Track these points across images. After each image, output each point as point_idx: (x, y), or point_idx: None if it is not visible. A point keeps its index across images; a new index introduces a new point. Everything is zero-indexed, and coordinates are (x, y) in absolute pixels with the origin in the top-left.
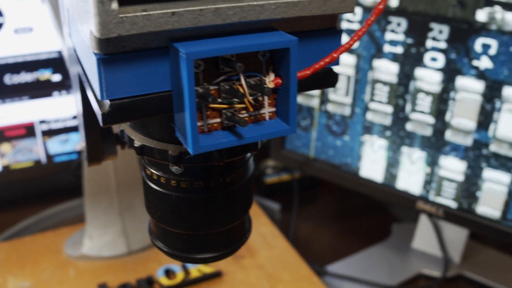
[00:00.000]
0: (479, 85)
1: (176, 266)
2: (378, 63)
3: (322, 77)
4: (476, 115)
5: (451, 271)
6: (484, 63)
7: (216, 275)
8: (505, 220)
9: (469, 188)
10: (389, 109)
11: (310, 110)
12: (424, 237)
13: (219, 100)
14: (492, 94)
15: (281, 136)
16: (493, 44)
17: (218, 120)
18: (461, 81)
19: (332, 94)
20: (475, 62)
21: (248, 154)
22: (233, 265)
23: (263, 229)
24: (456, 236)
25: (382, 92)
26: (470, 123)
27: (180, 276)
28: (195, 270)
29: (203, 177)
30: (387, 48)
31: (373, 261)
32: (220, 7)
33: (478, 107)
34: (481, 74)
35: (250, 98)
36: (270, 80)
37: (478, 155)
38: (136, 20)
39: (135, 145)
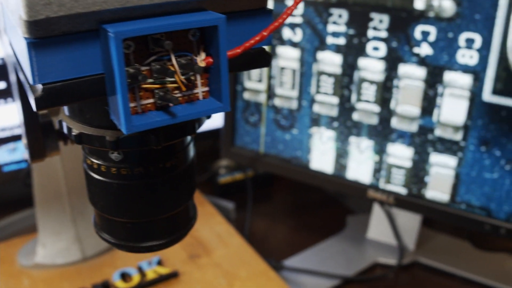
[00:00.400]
0: (421, 72)
1: (131, 269)
2: (322, 55)
3: (255, 57)
4: (419, 101)
5: (406, 258)
6: (425, 49)
7: (173, 275)
8: (454, 203)
9: (418, 173)
10: (335, 100)
11: (258, 105)
12: (378, 226)
13: (151, 80)
14: (434, 80)
15: (215, 113)
16: (432, 31)
17: (151, 100)
18: (403, 69)
19: (278, 89)
20: (416, 49)
21: (188, 139)
22: (189, 265)
23: (218, 228)
24: (410, 223)
25: (327, 84)
26: (415, 110)
27: (136, 278)
28: (151, 271)
29: (143, 163)
30: (330, 40)
31: (329, 253)
32: None
33: (421, 93)
34: (422, 61)
35: (182, 77)
36: (201, 59)
37: (424, 140)
38: (63, 2)
39: (73, 133)
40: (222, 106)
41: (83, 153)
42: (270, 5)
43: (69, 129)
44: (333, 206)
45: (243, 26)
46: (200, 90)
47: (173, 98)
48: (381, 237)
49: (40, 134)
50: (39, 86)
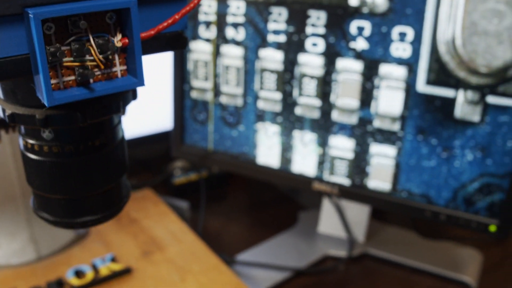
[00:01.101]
0: (358, 65)
1: (85, 266)
2: (264, 52)
3: (172, 40)
4: (358, 94)
5: (356, 250)
6: (360, 44)
7: (126, 272)
8: (396, 192)
9: (359, 164)
10: (278, 95)
11: (205, 104)
12: (328, 220)
13: (71, 58)
14: (370, 73)
15: (130, 88)
16: (367, 26)
17: (72, 77)
18: (341, 63)
19: (224, 86)
20: (352, 44)
21: (116, 120)
22: (143, 262)
23: (171, 226)
24: (359, 216)
25: (270, 80)
26: (354, 102)
27: (90, 275)
28: (105, 268)
29: (72, 141)
30: (271, 38)
31: (281, 247)
32: None
33: (359, 86)
34: (358, 55)
35: (100, 56)
36: (118, 40)
37: (364, 132)
38: None
39: (6, 113)
40: (137, 81)
41: (19, 135)
42: None
43: (3, 110)
44: (285, 203)
45: (159, 11)
46: (119, 68)
47: (90, 72)
48: (332, 230)
49: None
50: None
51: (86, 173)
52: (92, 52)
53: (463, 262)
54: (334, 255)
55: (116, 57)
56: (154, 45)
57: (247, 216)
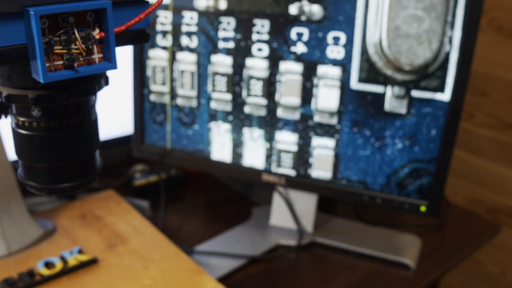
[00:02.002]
0: (298, 67)
1: (55, 258)
2: (215, 58)
3: (137, 35)
4: (299, 92)
5: (305, 239)
6: (300, 48)
7: (93, 262)
8: (336, 180)
9: (303, 156)
10: (229, 96)
11: (163, 106)
12: (279, 213)
13: (60, 47)
14: (309, 74)
15: (106, 70)
16: (305, 32)
17: (61, 62)
18: (284, 66)
19: (180, 90)
20: (293, 48)
21: (91, 103)
22: (108, 253)
23: (134, 222)
24: (306, 208)
25: (221, 83)
26: (296, 100)
27: (59, 266)
28: (73, 259)
29: (57, 117)
30: (221, 44)
31: (236, 238)
32: None
33: (300, 86)
34: (298, 58)
35: (83, 46)
36: (96, 33)
37: (306, 126)
38: None
39: (3, 95)
40: (111, 65)
41: (11, 116)
42: None
43: (0, 93)
44: (239, 201)
45: (128, 12)
46: (97, 56)
47: (75, 56)
48: (283, 222)
49: None
50: None
51: (67, 145)
52: (77, 42)
53: (403, 247)
54: (285, 244)
55: (95, 47)
56: (124, 39)
57: (203, 213)
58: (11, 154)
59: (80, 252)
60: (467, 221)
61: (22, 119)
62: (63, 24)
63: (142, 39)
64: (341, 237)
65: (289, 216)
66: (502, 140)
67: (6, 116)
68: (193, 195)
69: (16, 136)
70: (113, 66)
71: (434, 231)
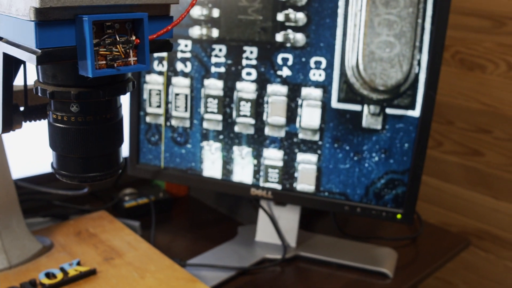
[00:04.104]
0: (284, 89)
1: (55, 269)
2: (208, 81)
3: (163, 44)
4: (285, 112)
5: (289, 253)
6: (285, 72)
7: (92, 272)
8: (319, 192)
9: (288, 171)
10: (220, 117)
11: (158, 126)
12: (264, 230)
13: (104, 49)
14: (294, 95)
15: (141, 70)
16: (290, 57)
17: (104, 62)
18: (270, 88)
19: (174, 111)
20: (279, 72)
21: (120, 102)
22: (105, 265)
23: (127, 238)
24: (290, 225)
25: (213, 104)
26: (282, 119)
27: (59, 276)
28: (72, 270)
29: (92, 113)
30: (213, 69)
31: (224, 253)
32: None
33: (286, 106)
34: (284, 81)
35: (122, 49)
36: (134, 39)
37: (291, 143)
38: None
39: (48, 91)
40: (145, 66)
41: (49, 113)
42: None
43: (44, 90)
44: (226, 221)
45: (157, 24)
46: (132, 59)
47: (118, 56)
48: (268, 238)
49: (10, 111)
50: (38, 50)
51: (99, 138)
52: (119, 46)
53: (381, 258)
54: (271, 258)
55: (131, 51)
56: (152, 47)
57: (191, 233)
58: (14, 172)
59: (78, 264)
60: (439, 236)
61: (60, 114)
62: (108, 30)
63: (166, 48)
64: (323, 251)
65: (274, 232)
66: (469, 166)
67: (30, 121)
68: (180, 217)
69: (53, 130)
70: (147, 67)
71: (409, 245)
